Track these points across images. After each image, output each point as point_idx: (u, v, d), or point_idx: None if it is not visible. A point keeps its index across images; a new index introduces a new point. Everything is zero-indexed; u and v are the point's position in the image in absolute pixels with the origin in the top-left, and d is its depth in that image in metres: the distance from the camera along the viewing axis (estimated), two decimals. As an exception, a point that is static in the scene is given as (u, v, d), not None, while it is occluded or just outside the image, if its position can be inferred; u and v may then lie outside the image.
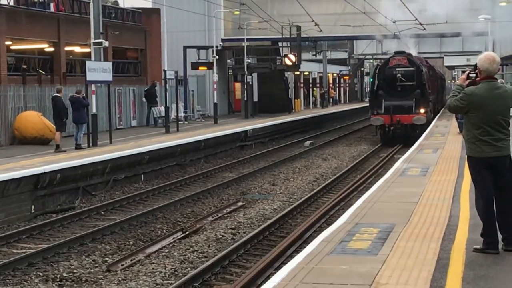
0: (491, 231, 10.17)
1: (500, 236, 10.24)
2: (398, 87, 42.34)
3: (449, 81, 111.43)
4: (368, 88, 61.46)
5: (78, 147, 29.84)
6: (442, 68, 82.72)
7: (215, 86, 53.77)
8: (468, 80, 10.49)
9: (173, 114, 45.55)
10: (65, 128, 30.51)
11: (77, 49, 46.40)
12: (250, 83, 57.65)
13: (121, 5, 59.03)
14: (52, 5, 45.84)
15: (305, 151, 40.33)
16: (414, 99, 41.99)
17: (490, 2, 55.99)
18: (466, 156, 10.44)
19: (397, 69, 42.61)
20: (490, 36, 56.81)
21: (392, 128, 42.54)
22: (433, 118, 48.08)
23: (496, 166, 10.15)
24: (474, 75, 10.43)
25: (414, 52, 55.81)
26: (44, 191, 23.10)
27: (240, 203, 23.74)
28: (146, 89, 47.92)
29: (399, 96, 42.16)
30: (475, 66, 10.31)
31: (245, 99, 56.80)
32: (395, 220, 12.67)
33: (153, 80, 50.09)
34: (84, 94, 30.74)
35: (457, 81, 10.75)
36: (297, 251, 15.12)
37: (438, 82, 60.98)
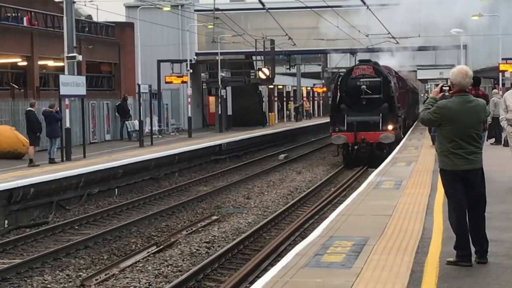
0: (464, 243, 10.20)
1: (473, 249, 10.28)
2: (362, 101, 37.11)
3: (422, 94, 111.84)
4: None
5: (51, 161, 29.73)
6: (415, 81, 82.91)
7: (189, 99, 53.78)
8: (441, 93, 10.54)
9: (147, 128, 45.48)
10: (38, 142, 30.40)
11: (51, 63, 46.29)
12: (224, 96, 57.65)
13: (94, 19, 58.95)
14: (25, 19, 45.73)
15: (279, 164, 40.36)
16: (381, 114, 36.99)
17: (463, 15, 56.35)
18: (439, 169, 10.48)
19: (361, 79, 37.40)
20: (462, 50, 57.18)
21: (356, 147, 36.99)
22: (404, 135, 43.56)
23: (468, 179, 10.19)
24: (447, 88, 10.49)
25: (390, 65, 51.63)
26: (17, 205, 22.99)
27: (214, 217, 23.72)
28: (117, 104, 47.83)
29: (364, 110, 37.06)
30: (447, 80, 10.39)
31: (219, 112, 56.81)
32: (369, 233, 12.70)
33: (124, 94, 49.99)
34: (58, 108, 30.64)
35: (431, 94, 10.80)
36: (272, 264, 15.11)
37: (409, 95, 56.33)
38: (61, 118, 30.31)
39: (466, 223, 10.20)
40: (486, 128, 20.20)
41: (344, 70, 45.53)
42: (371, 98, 37.04)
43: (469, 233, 10.22)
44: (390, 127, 36.84)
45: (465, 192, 10.20)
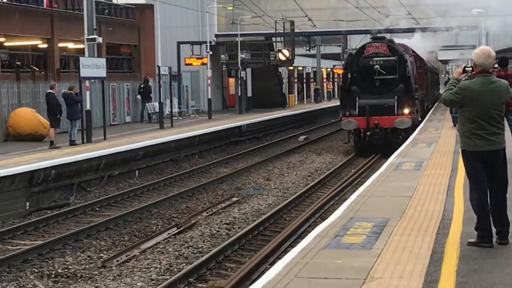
0: (485, 224, 10.19)
1: (494, 230, 10.26)
2: (376, 82, 33.64)
3: (442, 75, 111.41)
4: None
5: (72, 143, 29.82)
6: (435, 62, 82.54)
7: (209, 81, 53.77)
8: (464, 74, 10.51)
9: (167, 110, 45.54)
10: (59, 124, 30.51)
11: (71, 45, 46.35)
12: (244, 78, 57.64)
13: (114, 1, 58.96)
14: (45, 1, 45.79)
15: (299, 146, 40.34)
16: (396, 97, 33.41)
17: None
18: (460, 150, 10.45)
19: (374, 59, 33.80)
20: (483, 30, 56.88)
21: (368, 133, 33.55)
22: (423, 119, 40.28)
23: (490, 160, 10.16)
24: (470, 68, 10.45)
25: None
26: (38, 187, 23.09)
27: (234, 199, 23.75)
28: (141, 85, 47.87)
29: (377, 93, 33.59)
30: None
31: (239, 94, 56.82)
32: (389, 214, 12.69)
33: (145, 76, 50.03)
34: (78, 90, 30.70)
35: (453, 75, 10.75)
36: (292, 245, 15.13)
37: (428, 75, 51.81)
38: (80, 100, 30.38)
39: (487, 204, 10.18)
40: None
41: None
42: (385, 79, 33.59)
43: (490, 214, 10.19)
44: (406, 110, 33.35)
45: (486, 173, 10.17)
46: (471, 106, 10.09)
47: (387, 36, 40.22)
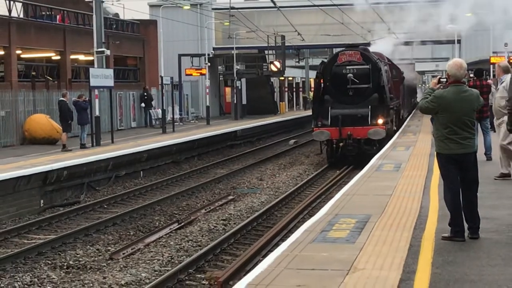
0: (458, 221, 10.20)
1: (466, 226, 10.28)
2: (349, 91, 29.77)
3: (419, 85, 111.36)
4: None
5: (82, 146, 29.83)
6: (413, 72, 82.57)
7: (207, 90, 53.84)
8: (439, 84, 10.54)
9: (169, 116, 45.53)
10: (70, 129, 30.48)
11: (82, 57, 46.32)
12: (239, 87, 57.66)
13: (121, 17, 58.94)
14: (58, 17, 45.77)
15: (290, 149, 40.33)
16: (370, 107, 29.68)
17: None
18: (435, 153, 10.47)
19: (347, 67, 29.99)
20: (456, 44, 56.99)
21: (341, 144, 29.67)
22: (398, 128, 36.05)
23: (462, 162, 10.19)
24: (445, 79, 10.50)
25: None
26: (52, 186, 23.07)
27: (230, 197, 23.75)
28: (144, 94, 47.93)
29: (351, 102, 29.77)
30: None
31: (235, 102, 56.84)
32: (371, 211, 12.68)
33: (145, 87, 50.10)
34: (87, 98, 30.66)
35: (430, 85, 10.78)
36: (282, 240, 15.13)
37: (404, 85, 47.18)
38: (86, 107, 30.33)
39: (459, 202, 10.20)
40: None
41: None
42: (358, 88, 29.76)
43: (462, 211, 10.21)
44: (380, 121, 29.60)
45: (459, 174, 10.20)
46: (445, 113, 10.12)
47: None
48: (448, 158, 10.18)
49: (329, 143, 30.13)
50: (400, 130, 35.23)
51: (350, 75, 29.66)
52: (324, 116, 29.82)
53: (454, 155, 10.13)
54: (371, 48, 37.29)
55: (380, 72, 30.23)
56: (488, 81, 21.98)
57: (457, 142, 10.11)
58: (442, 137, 10.20)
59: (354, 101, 29.76)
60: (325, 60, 32.57)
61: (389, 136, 30.36)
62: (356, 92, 29.75)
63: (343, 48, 31.45)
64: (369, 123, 29.46)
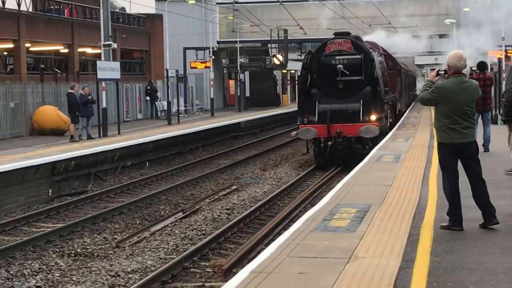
0: (456, 210, 10.20)
1: (465, 215, 10.28)
2: (338, 84, 26.22)
3: (419, 78, 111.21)
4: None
5: (88, 137, 29.81)
6: (413, 66, 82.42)
7: (211, 83, 53.85)
8: (438, 77, 10.53)
9: (174, 108, 45.53)
10: (78, 120, 30.46)
11: (89, 50, 46.35)
12: (243, 80, 57.65)
13: (127, 11, 58.91)
14: (66, 11, 45.77)
15: (292, 140, 40.18)
16: (361, 101, 26.06)
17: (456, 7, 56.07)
18: (436, 143, 10.45)
19: (337, 57, 26.32)
20: (455, 38, 56.87)
21: (330, 143, 26.09)
22: (394, 125, 32.80)
23: (464, 151, 10.19)
24: (443, 72, 10.49)
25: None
26: (60, 176, 23.08)
27: (234, 187, 23.74)
28: (147, 87, 47.99)
29: (341, 96, 26.14)
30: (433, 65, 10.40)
31: (238, 94, 56.81)
32: (371, 201, 12.68)
33: (150, 80, 50.13)
34: (88, 92, 30.51)
35: (428, 77, 10.78)
36: (285, 228, 15.11)
37: (402, 77, 42.84)
38: (87, 100, 29.99)
39: (458, 192, 10.21)
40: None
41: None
42: (349, 80, 26.25)
43: (460, 201, 10.21)
44: (373, 117, 26.10)
45: (462, 165, 10.20)
46: (446, 103, 10.12)
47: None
48: (450, 147, 10.17)
49: (316, 142, 26.58)
50: (399, 122, 34.87)
51: (340, 66, 26.11)
52: (311, 112, 26.31)
53: (456, 144, 10.13)
54: (365, 38, 33.97)
55: (373, 62, 26.70)
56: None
57: (459, 132, 10.11)
58: (443, 127, 10.20)
59: (344, 95, 26.19)
60: (312, 50, 28.46)
61: (382, 133, 27.15)
62: (346, 85, 26.25)
63: (332, 37, 27.31)
64: (361, 119, 25.85)
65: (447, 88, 10.14)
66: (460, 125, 10.12)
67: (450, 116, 10.12)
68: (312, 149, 27.81)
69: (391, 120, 32.21)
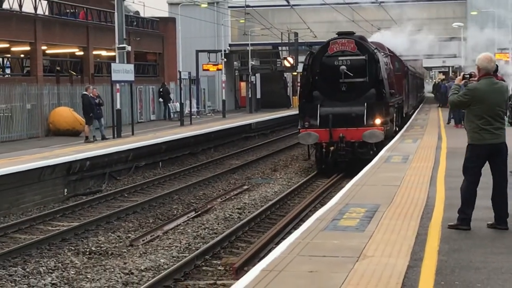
0: (466, 209, 10.17)
1: (474, 215, 10.25)
2: (341, 86, 24.58)
3: (426, 80, 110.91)
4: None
5: (103, 138, 29.86)
6: (421, 68, 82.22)
7: (223, 85, 53.90)
8: (464, 80, 10.55)
9: (187, 110, 45.58)
10: (92, 122, 30.50)
11: (104, 53, 46.45)
12: (254, 82, 57.67)
13: (141, 14, 59.02)
14: (80, 14, 45.89)
15: (302, 141, 40.15)
16: (366, 104, 24.44)
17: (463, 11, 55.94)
18: (466, 145, 10.35)
19: (339, 58, 24.71)
20: (462, 41, 56.79)
21: (332, 148, 24.42)
22: (401, 128, 31.35)
23: (495, 152, 10.15)
24: (468, 75, 10.54)
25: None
26: (75, 176, 23.12)
27: (245, 187, 23.73)
28: (160, 89, 48.08)
29: (344, 99, 24.56)
30: (459, 68, 10.40)
31: (250, 96, 56.84)
32: (380, 201, 12.67)
33: (163, 82, 50.22)
34: (97, 94, 30.52)
35: (455, 82, 10.78)
36: (295, 228, 15.11)
37: (409, 79, 41.14)
38: (95, 103, 29.90)
39: (475, 193, 10.15)
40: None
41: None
42: (353, 82, 24.56)
43: (474, 201, 10.16)
44: (378, 121, 24.44)
45: (490, 168, 10.19)
46: (479, 105, 10.07)
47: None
48: (482, 148, 10.11)
49: (318, 147, 24.98)
50: (407, 124, 34.72)
51: (343, 67, 24.47)
52: (312, 116, 24.68)
53: (488, 145, 10.10)
54: (371, 39, 32.94)
55: (378, 63, 25.00)
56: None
57: (491, 133, 10.09)
58: (476, 128, 10.14)
59: (347, 97, 24.59)
60: (313, 50, 26.93)
61: (388, 138, 25.72)
62: (349, 87, 24.61)
63: (335, 37, 25.62)
64: (365, 123, 24.24)
65: (479, 89, 10.12)
66: (493, 125, 10.10)
67: (483, 117, 10.08)
68: (313, 155, 26.23)
69: (397, 123, 30.70)
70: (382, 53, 28.27)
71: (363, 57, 24.79)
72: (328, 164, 25.07)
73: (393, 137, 26.84)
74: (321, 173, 25.04)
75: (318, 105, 24.74)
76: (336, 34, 25.93)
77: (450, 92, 10.66)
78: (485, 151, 10.13)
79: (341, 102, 24.52)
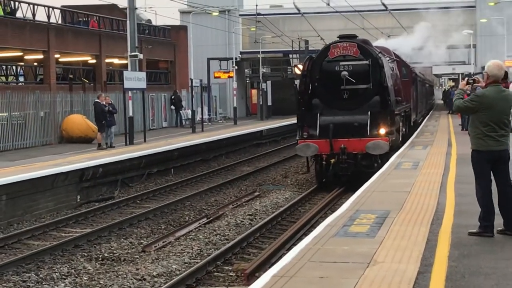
0: (488, 216, 10.09)
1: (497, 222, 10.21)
2: (343, 93, 22.58)
3: (436, 87, 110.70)
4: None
5: (110, 145, 29.80)
6: (431, 75, 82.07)
7: (234, 92, 53.93)
8: (468, 85, 10.54)
9: (198, 117, 45.65)
10: (104, 129, 30.59)
11: (116, 61, 46.59)
12: (265, 89, 57.72)
13: (153, 23, 59.17)
14: (90, 22, 46.04)
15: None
16: (369, 113, 22.39)
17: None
18: (470, 151, 10.35)
19: (341, 63, 22.60)
20: (472, 48, 56.70)
21: (333, 160, 22.39)
22: (408, 137, 29.44)
23: (498, 158, 10.13)
24: (472, 81, 10.57)
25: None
26: (88, 183, 23.18)
27: (256, 193, 23.73)
28: (172, 97, 48.15)
29: (345, 107, 22.56)
30: (468, 75, 10.40)
31: (261, 103, 56.90)
32: (390, 207, 12.65)
33: (174, 90, 50.33)
34: (110, 101, 30.53)
35: (459, 86, 10.79)
36: (306, 234, 15.11)
37: (417, 85, 38.79)
38: (107, 109, 29.93)
39: (491, 198, 10.11)
40: None
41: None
42: (355, 89, 22.59)
43: (493, 207, 10.12)
44: (382, 131, 22.37)
45: (491, 173, 10.15)
46: (486, 111, 10.03)
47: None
48: (486, 154, 10.09)
49: (318, 159, 22.98)
50: (417, 131, 34.56)
51: (345, 73, 22.42)
52: (312, 125, 22.73)
53: (491, 151, 10.07)
54: (376, 43, 31.07)
55: (382, 69, 22.92)
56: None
57: (495, 140, 10.06)
58: (481, 135, 10.11)
59: (349, 105, 22.64)
60: (313, 56, 24.50)
61: (394, 148, 23.75)
62: (352, 95, 22.66)
63: (336, 40, 23.67)
64: (368, 133, 22.29)
65: (487, 96, 10.08)
66: (497, 133, 10.07)
67: (489, 124, 10.05)
68: (313, 167, 24.01)
69: (404, 131, 28.49)
70: (388, 58, 26.53)
71: (366, 62, 22.72)
72: (329, 177, 23.13)
73: (400, 147, 25.00)
74: (323, 185, 23.38)
75: (318, 114, 22.82)
76: (337, 37, 24.06)
77: (454, 96, 10.63)
78: (489, 157, 10.11)
79: (343, 111, 22.62)
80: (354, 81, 22.41)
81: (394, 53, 30.80)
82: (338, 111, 22.60)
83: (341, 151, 22.05)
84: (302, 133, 22.90)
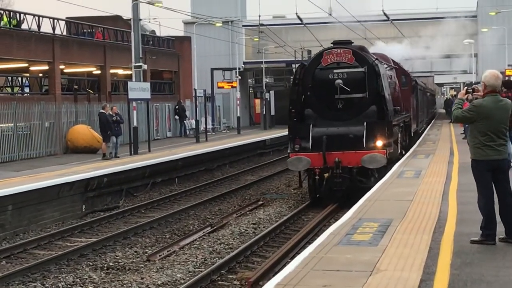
0: (490, 224, 10.08)
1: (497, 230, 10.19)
2: (337, 103, 21.13)
3: (438, 96, 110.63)
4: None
5: (115, 155, 29.74)
6: (432, 84, 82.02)
7: (238, 102, 53.97)
8: (467, 94, 10.55)
9: (202, 126, 45.68)
10: (109, 139, 30.58)
11: (120, 71, 46.67)
12: (268, 99, 57.75)
13: (157, 33, 59.27)
14: (96, 33, 46.14)
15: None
16: (365, 124, 20.82)
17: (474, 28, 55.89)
18: (470, 160, 10.35)
19: (335, 71, 21.07)
20: (473, 57, 56.72)
21: (326, 175, 20.70)
22: (408, 149, 27.68)
23: (497, 167, 10.11)
24: (471, 90, 10.61)
25: None
26: (93, 192, 23.21)
27: (260, 202, 23.73)
28: (176, 107, 48.19)
29: (340, 118, 21.06)
30: (470, 84, 10.42)
31: (264, 113, 56.90)
32: (393, 216, 12.65)
33: (178, 100, 50.37)
34: (117, 112, 30.53)
35: (458, 95, 10.80)
36: (309, 242, 15.10)
37: (417, 94, 36.84)
38: (112, 120, 29.87)
39: (493, 206, 10.10)
40: None
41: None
42: (350, 98, 21.07)
43: (495, 216, 10.10)
44: (379, 143, 20.78)
45: (494, 181, 10.14)
46: (484, 121, 10.02)
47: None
48: (485, 164, 10.08)
49: (311, 174, 21.35)
50: (420, 139, 34.53)
51: (339, 81, 20.87)
52: (304, 137, 21.09)
53: (491, 161, 10.06)
54: (372, 50, 29.65)
55: (379, 77, 21.32)
56: None
57: (494, 149, 10.05)
58: (479, 144, 10.10)
59: (344, 116, 21.13)
60: (306, 63, 23.42)
61: (392, 162, 22.10)
62: (346, 104, 21.14)
63: (330, 46, 22.00)
64: (364, 146, 20.69)
65: (485, 106, 10.08)
66: (496, 142, 10.06)
67: (487, 133, 10.04)
68: (306, 182, 22.44)
69: (404, 143, 26.98)
70: (385, 65, 24.82)
71: (362, 69, 21.16)
72: (323, 192, 21.53)
73: (399, 159, 23.49)
74: (313, 205, 21.70)
75: (311, 125, 21.17)
76: (331, 43, 22.29)
77: (453, 106, 10.63)
78: (488, 167, 10.10)
79: (337, 122, 21.11)
80: (349, 90, 21.02)
81: (393, 60, 29.47)
82: (332, 122, 21.14)
83: (335, 164, 20.57)
84: (294, 146, 21.26)
